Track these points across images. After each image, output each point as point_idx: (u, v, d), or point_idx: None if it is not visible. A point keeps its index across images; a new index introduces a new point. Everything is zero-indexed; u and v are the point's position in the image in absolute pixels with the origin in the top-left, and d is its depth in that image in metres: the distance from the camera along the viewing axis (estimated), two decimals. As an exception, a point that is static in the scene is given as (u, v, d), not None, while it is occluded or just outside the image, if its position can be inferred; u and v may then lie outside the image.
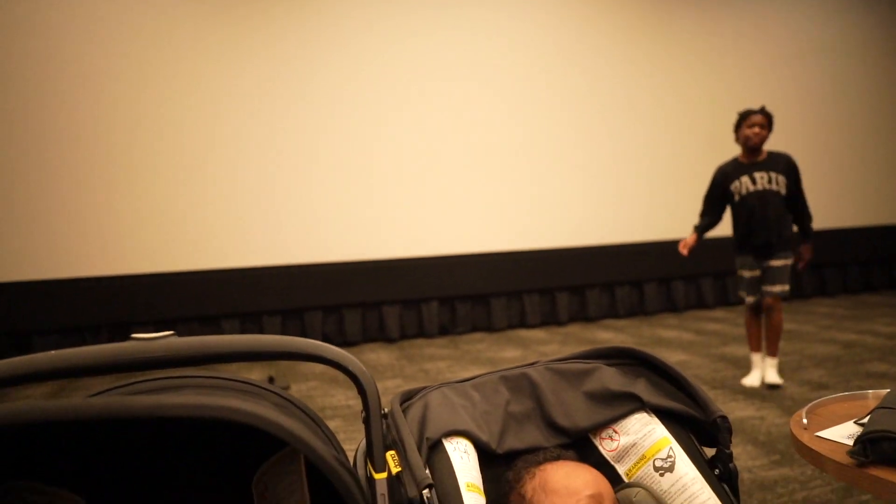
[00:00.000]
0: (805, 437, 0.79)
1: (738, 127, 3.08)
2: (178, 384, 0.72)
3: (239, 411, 0.52)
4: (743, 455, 2.29)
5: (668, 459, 0.84)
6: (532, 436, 0.92)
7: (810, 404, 0.85)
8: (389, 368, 3.92)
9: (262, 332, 4.55)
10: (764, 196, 3.04)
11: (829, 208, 6.01)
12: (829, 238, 5.93)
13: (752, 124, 3.01)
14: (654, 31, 5.51)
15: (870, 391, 0.89)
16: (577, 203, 5.28)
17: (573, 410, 0.94)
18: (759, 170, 3.06)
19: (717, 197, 3.19)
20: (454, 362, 3.98)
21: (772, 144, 5.94)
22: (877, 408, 0.75)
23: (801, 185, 3.08)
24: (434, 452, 0.77)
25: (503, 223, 5.08)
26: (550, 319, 5.23)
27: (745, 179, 3.08)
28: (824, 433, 0.78)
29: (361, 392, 0.72)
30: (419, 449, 0.76)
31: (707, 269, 5.58)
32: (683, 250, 3.19)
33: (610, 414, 0.92)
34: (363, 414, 0.72)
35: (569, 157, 5.26)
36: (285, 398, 0.77)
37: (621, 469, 0.88)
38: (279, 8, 4.60)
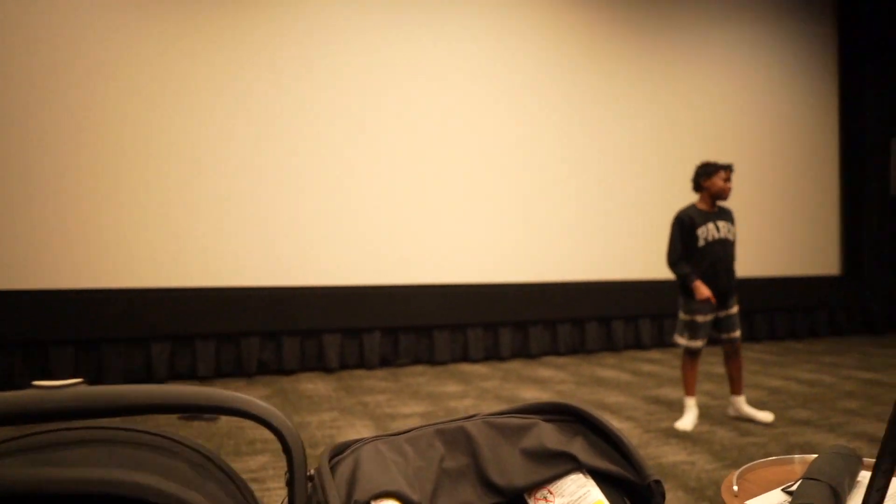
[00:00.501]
0: (735, 506, 0.79)
1: (710, 176, 3.19)
2: (79, 438, 0.65)
3: (127, 484, 0.47)
4: (673, 501, 2.32)
5: (602, 524, 0.82)
6: (466, 495, 0.89)
7: (740, 469, 0.86)
8: (326, 400, 3.81)
9: (194, 356, 4.35)
10: (726, 245, 3.22)
11: (759, 258, 6.32)
12: (758, 286, 6.23)
13: (728, 178, 3.19)
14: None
15: (796, 456, 0.91)
16: (524, 240, 5.35)
17: (509, 468, 0.92)
18: (720, 219, 3.24)
19: (686, 240, 3.25)
20: (394, 396, 3.91)
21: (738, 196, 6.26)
22: (804, 477, 0.76)
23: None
24: (361, 517, 0.73)
25: (450, 256, 5.08)
26: (493, 355, 5.24)
27: (710, 226, 3.21)
28: (754, 501, 0.79)
29: (287, 451, 0.68)
30: (346, 514, 0.72)
31: (645, 311, 5.74)
32: (713, 299, 3.19)
33: (546, 474, 0.90)
34: (286, 475, 0.68)
35: (515, 195, 5.35)
36: (204, 455, 0.71)
37: (555, 532, 0.86)
38: (280, 23, 4.53)
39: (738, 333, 3.29)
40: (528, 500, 0.89)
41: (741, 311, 5.67)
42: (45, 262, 4.05)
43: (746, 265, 6.26)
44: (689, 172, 6.08)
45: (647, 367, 4.92)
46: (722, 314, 3.25)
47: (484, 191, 5.23)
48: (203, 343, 4.36)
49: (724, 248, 3.22)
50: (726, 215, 3.29)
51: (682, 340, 3.26)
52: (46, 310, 3.98)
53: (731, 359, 3.31)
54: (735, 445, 2.93)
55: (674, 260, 3.24)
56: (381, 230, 4.86)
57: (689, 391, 3.29)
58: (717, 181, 3.18)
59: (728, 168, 3.21)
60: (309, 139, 4.72)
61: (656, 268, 5.85)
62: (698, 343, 3.22)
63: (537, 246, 5.41)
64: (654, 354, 5.56)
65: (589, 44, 5.67)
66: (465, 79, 5.19)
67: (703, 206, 3.25)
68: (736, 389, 3.36)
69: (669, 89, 6.01)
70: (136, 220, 4.27)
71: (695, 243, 3.23)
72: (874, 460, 0.73)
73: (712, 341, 5.35)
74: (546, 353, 5.43)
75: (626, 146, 5.80)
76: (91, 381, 4.08)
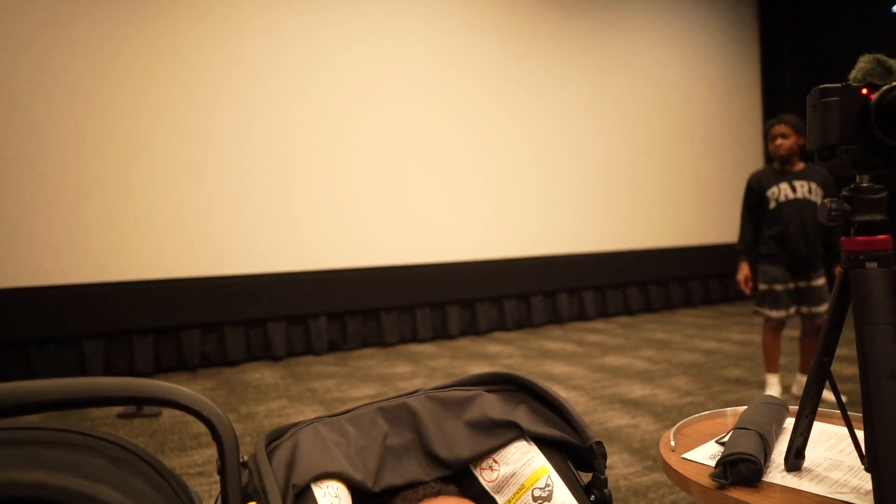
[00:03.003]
0: (672, 460, 0.81)
1: (765, 140, 3.13)
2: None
3: (24, 484, 0.43)
4: (619, 463, 2.40)
5: (547, 489, 0.83)
6: (411, 470, 0.88)
7: (677, 425, 0.89)
8: (274, 388, 3.73)
9: (132, 354, 4.17)
10: (804, 206, 2.89)
11: (693, 226, 6.57)
12: (694, 253, 6.48)
13: (773, 136, 2.92)
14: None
15: (728, 409, 0.94)
16: (467, 218, 5.37)
17: (453, 441, 0.91)
18: (799, 179, 2.92)
19: (754, 205, 3.02)
20: (343, 380, 3.87)
21: (653, 168, 6.45)
22: (734, 428, 0.79)
23: None
24: (301, 500, 0.71)
25: (393, 237, 5.04)
26: (441, 334, 5.26)
27: (784, 186, 2.93)
28: (690, 454, 0.82)
29: (217, 439, 0.64)
30: (284, 499, 0.69)
31: (588, 282, 5.88)
32: (746, 289, 3.03)
33: (490, 443, 0.90)
34: (218, 463, 0.65)
35: (456, 173, 5.34)
36: (127, 449, 0.67)
37: (501, 500, 0.87)
38: (278, 15, 4.28)
39: (822, 308, 2.85)
40: (474, 471, 0.89)
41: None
42: (-43, 262, 3.77)
43: (681, 234, 6.50)
44: (630, 147, 6.23)
45: (591, 338, 5.06)
46: (802, 284, 2.92)
47: (424, 170, 5.19)
48: (141, 338, 4.18)
49: (800, 211, 2.88)
50: (809, 174, 2.92)
51: (764, 311, 2.98)
52: (-37, 312, 3.72)
53: (808, 336, 2.99)
54: (675, 406, 3.06)
55: (742, 226, 3.07)
56: (321, 214, 4.76)
57: (770, 367, 3.05)
58: (770, 143, 2.95)
59: (771, 125, 2.93)
60: (255, 124, 4.55)
61: (597, 240, 5.99)
62: (781, 313, 2.94)
63: (482, 224, 5.44)
64: (598, 325, 5.72)
65: (533, 26, 5.68)
66: (424, 65, 5.11)
67: (777, 166, 2.98)
68: (805, 368, 3.01)
69: (609, 72, 6.10)
70: (64, 214, 4.02)
71: (766, 206, 2.97)
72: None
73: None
74: (494, 329, 5.50)
75: (564, 122, 5.87)
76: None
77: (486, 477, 0.88)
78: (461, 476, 0.89)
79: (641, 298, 6.22)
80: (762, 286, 2.99)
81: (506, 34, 5.58)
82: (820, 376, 0.70)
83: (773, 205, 2.96)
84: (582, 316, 5.93)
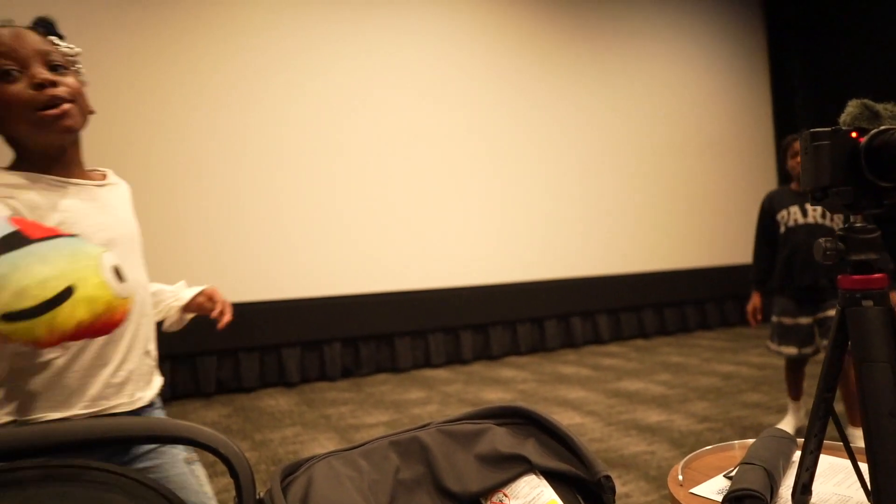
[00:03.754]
0: (681, 495, 0.82)
1: (785, 156, 2.75)
2: (11, 479, 0.63)
3: None
4: (636, 491, 2.38)
5: (556, 523, 0.84)
6: (422, 504, 0.90)
7: (685, 459, 0.90)
8: (288, 415, 3.75)
9: (147, 380, 4.21)
10: (815, 231, 2.63)
11: (708, 247, 6.54)
12: (709, 274, 6.44)
13: (794, 153, 2.68)
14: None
15: (736, 442, 0.95)
16: (479, 242, 5.40)
17: (464, 474, 0.93)
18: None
19: (768, 228, 2.81)
20: (357, 406, 3.88)
21: (663, 188, 6.45)
22: (741, 463, 0.80)
23: None
24: (315, 536, 0.73)
25: (405, 262, 5.08)
26: (455, 358, 5.25)
27: (794, 209, 2.69)
28: (697, 489, 0.82)
29: (234, 476, 0.67)
30: (298, 535, 0.71)
31: (602, 306, 5.86)
32: (753, 321, 2.83)
33: (500, 477, 0.91)
34: (236, 500, 0.67)
35: (470, 200, 5.39)
36: (151, 487, 0.70)
37: (511, 534, 0.88)
38: (262, 35, 4.43)
39: None
40: (484, 505, 0.91)
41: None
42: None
43: (696, 256, 6.47)
44: (642, 168, 6.25)
45: (606, 362, 5.03)
46: (820, 316, 2.62)
47: (438, 196, 5.25)
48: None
49: (810, 237, 2.61)
50: None
51: (771, 346, 2.79)
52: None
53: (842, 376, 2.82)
54: (692, 432, 3.02)
55: (755, 251, 2.90)
56: (334, 240, 4.82)
57: (790, 393, 2.91)
58: (788, 160, 2.70)
59: (792, 141, 2.71)
60: (258, 151, 4.64)
61: (610, 262, 5.98)
62: (790, 350, 2.71)
63: (494, 247, 5.46)
64: (613, 348, 5.68)
65: (538, 42, 5.77)
66: (426, 83, 5.21)
67: (794, 186, 2.73)
68: (852, 420, 2.57)
69: (619, 93, 6.16)
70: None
71: (777, 230, 2.75)
72: (806, 441, 0.77)
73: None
74: (507, 354, 5.49)
75: (576, 144, 5.91)
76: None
77: (497, 511, 0.89)
78: (472, 510, 0.90)
79: (656, 321, 6.17)
80: (773, 318, 2.80)
81: (515, 56, 5.67)
82: (823, 412, 0.71)
83: (782, 229, 2.74)
84: (596, 339, 5.90)
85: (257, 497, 0.70)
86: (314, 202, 4.78)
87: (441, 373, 4.89)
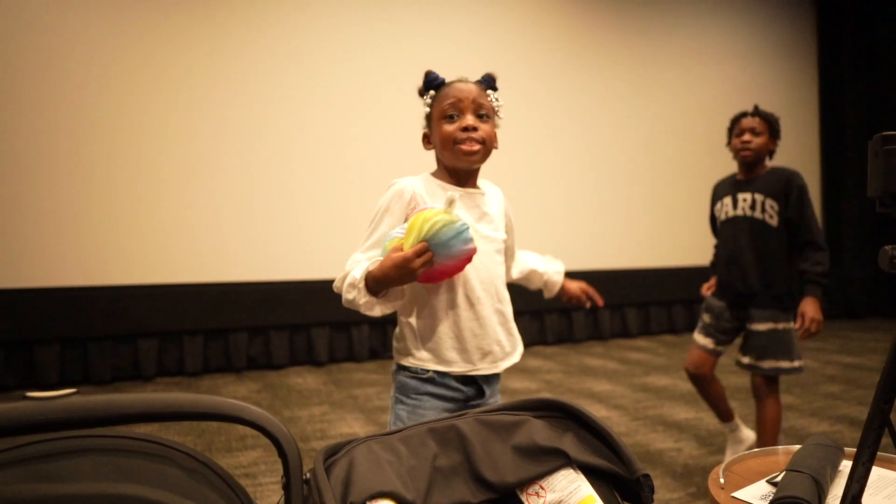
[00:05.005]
0: (722, 498, 0.81)
1: (730, 135, 2.35)
2: (70, 447, 0.65)
3: (119, 498, 0.47)
4: (662, 488, 2.36)
5: (593, 518, 0.84)
6: (459, 492, 0.91)
7: (726, 461, 0.88)
8: (316, 394, 3.81)
9: (181, 352, 4.32)
10: (742, 225, 2.26)
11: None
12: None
13: (741, 131, 2.26)
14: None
15: (780, 447, 0.93)
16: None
17: (501, 465, 0.93)
18: (746, 190, 2.27)
19: (713, 220, 2.52)
20: (383, 388, 3.92)
21: (706, 186, 6.31)
22: (787, 469, 0.78)
23: (806, 216, 2.16)
24: (357, 518, 0.74)
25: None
26: (481, 345, 5.25)
27: (727, 201, 2.34)
28: (740, 493, 0.81)
29: (282, 456, 0.68)
30: (342, 515, 0.73)
31: (630, 300, 5.80)
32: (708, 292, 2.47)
33: (537, 470, 0.92)
34: (283, 479, 0.69)
35: (502, 185, 5.34)
36: (199, 460, 0.72)
37: (547, 527, 0.88)
38: (294, 22, 4.47)
39: (766, 364, 2.18)
40: (521, 496, 0.91)
41: None
42: (28, 261, 3.99)
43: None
44: (676, 162, 6.12)
45: (634, 356, 4.98)
46: (747, 326, 2.27)
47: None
48: (191, 339, 4.33)
49: (740, 230, 2.26)
50: (765, 184, 2.23)
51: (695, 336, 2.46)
52: (30, 308, 3.94)
53: (757, 397, 2.27)
54: (721, 431, 2.98)
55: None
56: (362, 222, 4.84)
57: (721, 415, 2.47)
58: (733, 139, 2.31)
59: (740, 117, 2.29)
60: (303, 137, 4.68)
61: (640, 256, 5.90)
62: (705, 340, 2.40)
63: (523, 237, 5.42)
64: (641, 342, 5.62)
65: (580, 41, 5.67)
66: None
67: (739, 174, 2.36)
68: (765, 440, 2.26)
69: (656, 86, 6.03)
70: (121, 218, 4.22)
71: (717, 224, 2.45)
72: (855, 450, 0.75)
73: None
74: (534, 343, 5.47)
75: (618, 134, 5.82)
76: (79, 381, 4.04)
77: (533, 503, 0.90)
78: (508, 500, 0.90)
79: (686, 317, 6.08)
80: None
81: (551, 53, 5.58)
82: (879, 422, 0.69)
83: (718, 223, 2.42)
84: (624, 333, 5.84)
85: (304, 477, 0.71)
86: (347, 185, 4.80)
87: (467, 359, 4.91)
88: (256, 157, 4.57)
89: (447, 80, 1.40)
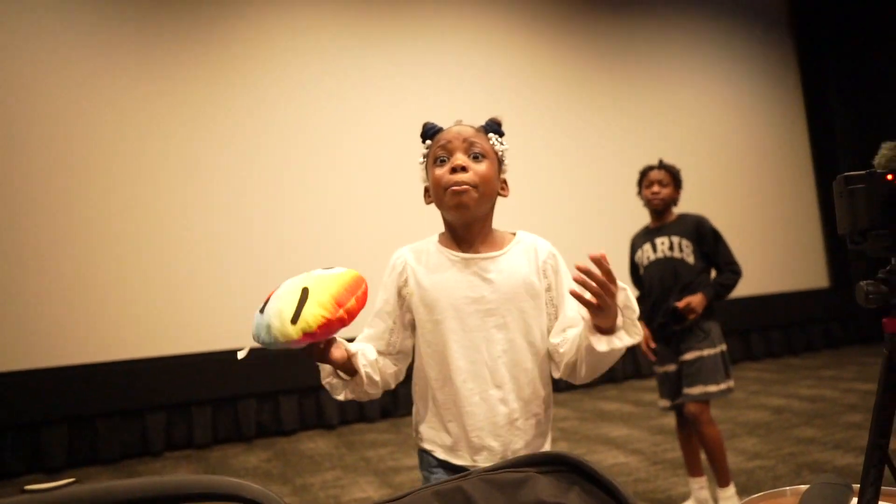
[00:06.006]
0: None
1: (639, 186, 2.56)
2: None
3: None
4: (686, 535, 2.29)
5: (604, 576, 0.82)
6: (467, 556, 0.89)
7: (736, 507, 0.87)
8: (328, 458, 3.74)
9: (190, 424, 4.28)
10: (666, 266, 2.43)
11: (751, 275, 6.36)
12: (753, 303, 6.26)
13: (650, 182, 2.47)
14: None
15: (788, 489, 0.92)
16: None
17: (508, 526, 0.92)
18: (662, 235, 2.47)
19: (634, 273, 2.63)
20: (396, 448, 3.85)
21: (721, 213, 6.32)
22: (796, 512, 0.77)
23: (721, 249, 2.45)
24: None
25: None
26: (493, 396, 5.18)
27: (646, 248, 2.51)
28: (750, 540, 0.80)
29: (282, 533, 0.68)
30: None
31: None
32: (648, 351, 2.45)
33: (544, 528, 0.90)
34: (283, 557, 0.68)
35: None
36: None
37: (558, 588, 0.86)
38: (305, 79, 4.64)
39: (695, 390, 2.27)
40: (529, 557, 0.89)
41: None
42: (31, 342, 4.01)
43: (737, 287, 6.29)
44: (685, 197, 6.17)
45: (648, 397, 4.89)
46: (680, 359, 2.37)
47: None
48: (199, 409, 4.29)
49: (662, 273, 2.43)
50: (677, 227, 2.46)
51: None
52: (36, 390, 3.93)
53: (693, 424, 2.34)
54: (742, 470, 2.91)
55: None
56: (371, 283, 4.86)
57: (689, 470, 2.52)
58: (643, 190, 2.52)
59: (648, 170, 2.50)
60: (302, 197, 4.77)
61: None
62: (662, 402, 2.49)
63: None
64: (654, 383, 5.52)
65: (565, 68, 5.83)
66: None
67: (650, 224, 2.56)
68: (716, 479, 2.35)
69: (641, 111, 6.16)
70: (120, 293, 4.26)
71: (639, 274, 2.58)
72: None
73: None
74: (547, 391, 5.39)
75: (628, 164, 5.90)
76: (87, 461, 3.99)
77: (542, 563, 0.88)
78: (517, 563, 0.89)
79: (699, 353, 5.99)
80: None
81: (541, 83, 5.73)
82: (878, 459, 0.68)
83: (641, 272, 2.55)
84: (637, 374, 5.76)
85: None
86: (350, 248, 4.85)
87: (479, 412, 4.83)
88: (259, 224, 4.65)
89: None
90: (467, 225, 1.22)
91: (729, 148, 6.57)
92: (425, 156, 1.26)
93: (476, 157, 1.19)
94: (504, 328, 1.19)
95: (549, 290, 1.23)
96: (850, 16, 6.72)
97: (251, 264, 4.59)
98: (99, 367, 4.10)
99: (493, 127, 1.25)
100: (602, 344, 1.09)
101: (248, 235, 4.61)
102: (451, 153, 1.19)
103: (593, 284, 1.03)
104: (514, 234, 1.29)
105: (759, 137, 6.78)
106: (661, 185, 2.46)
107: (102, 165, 4.31)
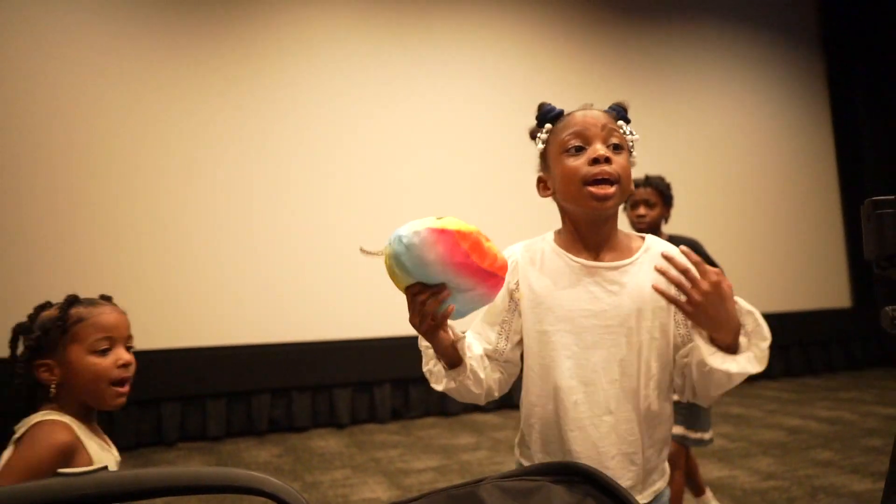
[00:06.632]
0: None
1: (625, 205, 2.38)
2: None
3: None
4: (696, 553, 2.27)
5: (615, 589, 0.83)
6: (478, 561, 0.90)
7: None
8: (338, 457, 3.77)
9: (204, 416, 4.33)
10: None
11: (767, 294, 6.28)
12: (771, 321, 6.14)
13: (635, 202, 2.32)
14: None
15: (805, 511, 0.91)
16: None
17: (520, 533, 0.92)
18: None
19: None
20: (406, 450, 3.87)
21: (721, 230, 6.26)
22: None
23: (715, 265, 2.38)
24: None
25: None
26: (506, 403, 5.17)
27: None
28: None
29: (299, 529, 0.69)
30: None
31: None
32: None
33: (556, 537, 0.90)
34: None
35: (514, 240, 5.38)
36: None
37: None
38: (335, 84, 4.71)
39: (676, 429, 2.16)
40: (540, 565, 0.90)
41: None
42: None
43: (756, 301, 6.19)
44: (699, 211, 6.12)
45: (662, 411, 4.85)
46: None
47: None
48: (213, 402, 4.35)
49: None
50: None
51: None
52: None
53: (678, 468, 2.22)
54: (756, 490, 2.87)
55: None
56: (386, 282, 4.88)
57: (694, 490, 2.49)
58: (629, 210, 2.37)
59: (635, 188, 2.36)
60: (323, 198, 4.82)
61: (665, 308, 5.82)
62: (700, 435, 2.31)
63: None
64: (669, 396, 5.47)
65: (588, 80, 5.81)
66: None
67: None
68: (698, 492, 2.46)
69: (665, 125, 6.12)
70: (139, 283, 4.33)
71: None
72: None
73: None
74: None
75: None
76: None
77: (553, 572, 0.88)
78: (528, 570, 0.89)
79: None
80: None
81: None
82: (898, 485, 0.68)
83: None
84: (651, 387, 5.70)
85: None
86: (361, 243, 4.88)
87: (491, 418, 4.83)
88: (278, 219, 4.70)
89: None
90: (595, 224, 1.09)
91: (754, 163, 6.50)
92: (544, 142, 1.12)
93: (615, 148, 1.06)
94: (625, 348, 1.05)
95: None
96: (880, 35, 6.61)
97: (269, 260, 4.63)
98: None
99: (623, 114, 1.13)
100: (716, 359, 1.00)
101: (269, 231, 4.66)
102: (588, 141, 1.05)
103: (674, 273, 0.95)
104: (643, 237, 1.14)
105: (785, 154, 6.70)
106: (647, 205, 2.31)
107: (118, 158, 4.39)
